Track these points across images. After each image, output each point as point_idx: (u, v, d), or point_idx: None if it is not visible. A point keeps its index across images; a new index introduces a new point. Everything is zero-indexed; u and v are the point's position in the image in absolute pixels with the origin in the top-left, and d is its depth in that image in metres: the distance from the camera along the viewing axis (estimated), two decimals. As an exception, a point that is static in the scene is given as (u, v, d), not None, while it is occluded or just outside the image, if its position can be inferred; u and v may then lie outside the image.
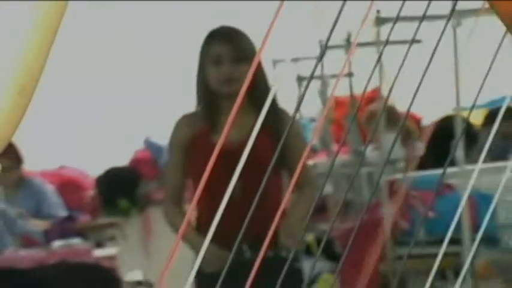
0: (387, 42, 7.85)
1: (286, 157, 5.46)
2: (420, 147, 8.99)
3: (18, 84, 0.87)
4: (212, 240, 4.10)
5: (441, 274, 6.73)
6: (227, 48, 5.83)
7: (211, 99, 5.95)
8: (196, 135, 5.95)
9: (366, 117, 9.04)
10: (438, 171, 7.64)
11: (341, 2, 1.25)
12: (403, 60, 2.00)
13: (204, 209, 5.53)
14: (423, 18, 2.53)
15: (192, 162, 5.92)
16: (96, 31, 12.69)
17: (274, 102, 5.68)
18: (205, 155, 5.48)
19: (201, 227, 5.57)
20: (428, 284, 2.16)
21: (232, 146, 4.65)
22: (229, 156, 3.84)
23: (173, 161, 6.06)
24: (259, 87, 5.18)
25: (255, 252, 5.33)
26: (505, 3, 1.17)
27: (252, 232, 4.69)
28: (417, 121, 10.77)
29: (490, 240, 6.56)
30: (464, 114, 7.10)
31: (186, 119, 6.06)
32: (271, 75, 9.60)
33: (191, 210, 5.97)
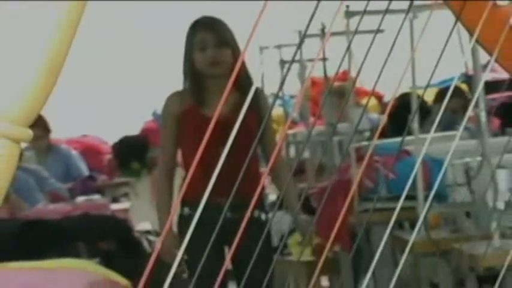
0: (356, 32, 7.83)
1: (263, 130, 5.55)
2: (383, 119, 8.97)
3: (47, 67, 0.86)
4: (199, 200, 4.09)
5: (399, 225, 6.70)
6: (211, 36, 5.83)
7: (198, 79, 5.90)
8: (186, 110, 5.90)
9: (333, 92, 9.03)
10: (397, 140, 7.64)
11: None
12: (369, 47, 1.98)
13: (191, 164, 5.48)
14: (386, 12, 2.53)
15: (183, 133, 5.87)
16: (113, 14, 12.72)
17: (251, 82, 5.67)
18: (195, 126, 5.71)
19: (191, 186, 5.37)
20: (387, 232, 2.13)
21: (218, 119, 4.56)
22: (216, 127, 4.78)
23: (167, 132, 6.06)
24: (239, 70, 5.01)
25: (234, 211, 5.05)
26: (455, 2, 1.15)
27: (231, 192, 4.75)
28: (380, 97, 10.74)
29: (440, 196, 6.56)
30: (419, 92, 7.09)
31: (176, 96, 6.03)
32: (258, 59, 9.52)
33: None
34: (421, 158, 5.59)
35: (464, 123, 6.04)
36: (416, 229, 5.98)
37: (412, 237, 5.50)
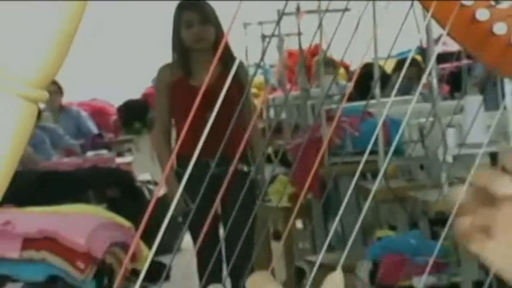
0: (326, 10, 7.82)
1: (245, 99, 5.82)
2: (349, 86, 8.97)
3: (61, 37, 0.85)
4: (190, 156, 4.27)
5: (363, 176, 6.70)
6: (196, 14, 5.85)
7: (185, 53, 5.92)
8: (175, 81, 5.94)
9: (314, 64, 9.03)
10: (362, 103, 7.63)
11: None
12: (338, 24, 1.98)
13: (182, 127, 5.51)
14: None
15: (174, 101, 5.91)
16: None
17: (233, 54, 5.61)
18: (184, 95, 5.70)
19: (182, 147, 5.33)
20: (353, 183, 2.13)
21: (204, 88, 4.52)
22: (203, 96, 4.90)
23: (160, 100, 6.09)
24: (221, 46, 5.02)
25: (220, 167, 5.13)
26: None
27: (218, 151, 4.84)
28: (347, 67, 10.72)
29: (398, 151, 6.57)
30: (381, 62, 7.08)
31: (167, 68, 6.08)
32: (243, 34, 9.48)
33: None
34: (382, 119, 5.59)
35: (419, 89, 6.05)
36: (378, 180, 5.98)
37: (374, 187, 5.50)
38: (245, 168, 5.96)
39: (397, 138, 5.89)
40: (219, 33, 5.70)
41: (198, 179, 3.94)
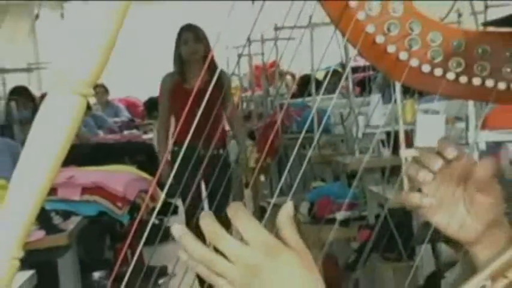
0: (278, 38, 7.81)
1: (225, 97, 5.58)
2: (294, 88, 8.97)
3: (105, 48, 0.84)
4: (183, 142, 4.19)
5: (303, 147, 6.69)
6: (191, 34, 5.58)
7: (182, 64, 5.63)
8: (174, 85, 5.64)
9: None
10: (303, 99, 7.61)
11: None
12: (298, 45, 1.98)
13: (182, 126, 5.32)
14: (294, 26, 2.54)
15: (174, 101, 5.62)
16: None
17: (216, 65, 5.30)
18: (180, 96, 5.45)
19: (179, 134, 5.24)
20: (295, 151, 2.11)
21: (195, 91, 4.45)
22: (194, 97, 4.80)
23: (162, 102, 5.81)
24: (207, 58, 4.90)
25: (205, 149, 5.07)
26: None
27: (208, 139, 4.81)
28: (293, 75, 10.66)
29: (327, 130, 6.58)
30: (316, 73, 7.10)
31: (169, 76, 5.77)
32: (225, 53, 9.40)
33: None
34: (314, 109, 5.61)
35: (338, 89, 6.07)
36: (311, 148, 5.98)
37: (309, 153, 5.51)
38: (222, 151, 5.66)
39: (324, 120, 5.90)
40: (208, 50, 5.46)
41: (187, 158, 4.06)
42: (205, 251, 0.92)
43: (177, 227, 0.93)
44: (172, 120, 5.83)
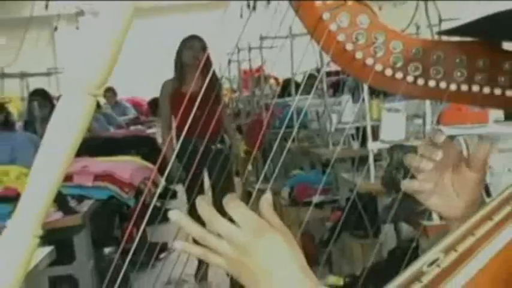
0: (262, 47, 7.80)
1: (218, 99, 5.32)
2: (278, 90, 8.96)
3: (113, 54, 0.85)
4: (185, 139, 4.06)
5: (285, 139, 6.65)
6: (196, 43, 5.31)
7: (182, 69, 5.33)
8: (173, 89, 5.35)
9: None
10: (285, 99, 7.60)
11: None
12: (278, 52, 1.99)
13: (181, 123, 4.79)
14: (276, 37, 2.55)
15: (173, 103, 5.33)
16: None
17: (214, 74, 5.42)
18: (178, 98, 5.21)
19: (180, 130, 4.97)
20: (277, 142, 2.09)
21: (192, 93, 4.27)
22: (191, 98, 4.54)
23: (163, 105, 5.52)
24: (206, 65, 4.73)
25: (204, 144, 5.01)
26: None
27: (203, 134, 4.68)
28: (277, 79, 10.63)
29: (305, 126, 6.58)
30: (296, 78, 7.10)
31: (169, 81, 5.47)
32: (218, 60, 9.40)
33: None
34: (294, 106, 5.59)
35: (313, 91, 6.08)
36: (290, 140, 5.98)
37: (288, 144, 5.51)
38: (219, 146, 5.28)
39: (301, 117, 5.90)
40: (207, 59, 4.91)
41: (190, 152, 3.79)
42: (200, 229, 0.94)
43: (173, 211, 0.94)
44: (174, 120, 5.72)
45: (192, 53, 5.27)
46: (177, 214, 0.94)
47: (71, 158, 0.87)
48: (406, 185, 1.16)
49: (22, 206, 0.87)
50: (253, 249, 0.92)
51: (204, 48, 5.29)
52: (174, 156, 5.03)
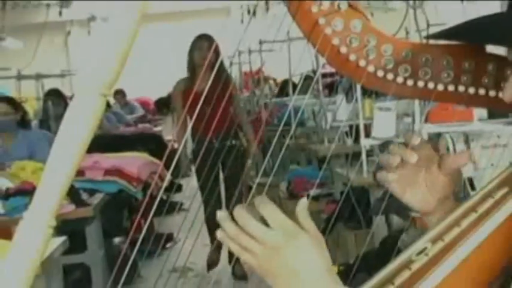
0: (261, 50, 7.79)
1: (231, 97, 5.06)
2: (276, 90, 8.95)
3: (121, 57, 0.84)
4: (199, 138, 3.97)
5: (283, 136, 6.65)
6: (205, 44, 5.02)
7: (194, 69, 5.10)
8: (186, 89, 5.08)
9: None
10: (283, 99, 7.59)
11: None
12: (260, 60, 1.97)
13: (195, 122, 4.53)
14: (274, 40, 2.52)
15: (184, 101, 5.05)
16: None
17: (226, 70, 5.11)
18: (190, 97, 4.66)
19: (194, 128, 4.55)
20: (276, 139, 2.08)
21: (203, 93, 4.26)
22: (203, 96, 4.46)
23: (176, 103, 5.24)
24: (216, 64, 4.40)
25: (219, 142, 4.64)
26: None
27: (217, 131, 4.49)
28: (275, 80, 10.61)
29: (302, 124, 6.57)
30: (293, 79, 7.08)
31: (181, 80, 5.20)
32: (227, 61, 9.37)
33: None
34: (291, 105, 5.59)
35: (310, 91, 6.07)
36: (288, 138, 5.98)
37: (287, 141, 5.50)
38: (235, 142, 5.09)
39: (299, 114, 5.89)
40: (217, 58, 4.68)
41: (205, 151, 3.90)
42: (236, 229, 0.95)
43: (221, 213, 0.97)
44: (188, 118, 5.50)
45: (201, 54, 5.06)
46: (223, 215, 0.96)
47: (83, 153, 0.87)
48: (380, 176, 1.17)
49: (37, 198, 0.87)
50: (284, 250, 0.92)
51: (211, 46, 4.98)
52: (180, 149, 4.82)
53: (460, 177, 1.16)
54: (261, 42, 7.70)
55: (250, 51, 8.17)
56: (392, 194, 1.18)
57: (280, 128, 4.28)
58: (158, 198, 1.19)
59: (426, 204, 1.16)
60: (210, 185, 4.77)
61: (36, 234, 0.86)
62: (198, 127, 4.13)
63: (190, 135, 4.87)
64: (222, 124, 4.60)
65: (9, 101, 5.01)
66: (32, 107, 8.74)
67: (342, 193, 5.08)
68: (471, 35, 1.03)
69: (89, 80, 0.86)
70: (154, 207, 1.15)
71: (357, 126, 4.57)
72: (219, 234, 0.97)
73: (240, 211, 0.95)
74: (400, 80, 1.11)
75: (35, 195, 0.88)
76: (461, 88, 1.11)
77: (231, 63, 9.97)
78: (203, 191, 4.87)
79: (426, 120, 3.63)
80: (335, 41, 1.09)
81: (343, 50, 1.09)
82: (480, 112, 3.65)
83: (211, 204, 4.74)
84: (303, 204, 0.97)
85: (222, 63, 4.60)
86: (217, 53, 4.69)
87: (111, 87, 0.87)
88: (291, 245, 0.92)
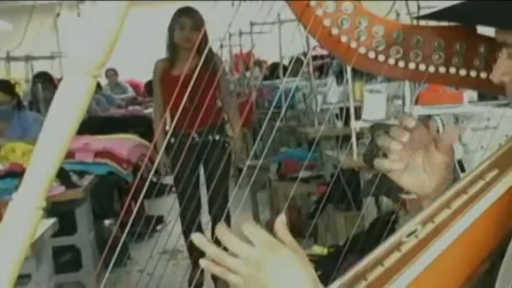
0: (252, 32, 7.77)
1: (218, 83, 4.30)
2: (266, 72, 8.94)
3: (112, 39, 0.85)
4: (178, 132, 3.46)
5: (273, 119, 6.62)
6: (189, 21, 4.27)
7: (175, 50, 4.32)
8: (164, 71, 4.34)
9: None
10: (273, 81, 7.58)
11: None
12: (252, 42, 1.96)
13: (173, 111, 3.96)
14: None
15: (163, 87, 4.36)
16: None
17: (212, 52, 4.26)
18: (168, 82, 4.29)
19: (172, 119, 4.07)
20: (266, 121, 2.07)
21: (185, 76, 3.80)
22: (184, 82, 3.94)
23: (155, 87, 4.48)
24: (202, 45, 3.80)
25: (200, 137, 4.14)
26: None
27: (200, 125, 3.90)
28: (266, 62, 10.58)
29: (293, 106, 6.57)
30: (284, 61, 7.08)
31: (160, 62, 4.43)
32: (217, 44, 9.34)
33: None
34: (282, 89, 5.59)
35: (300, 73, 6.06)
36: (279, 120, 5.97)
37: (277, 123, 5.51)
38: (221, 138, 4.34)
39: (290, 97, 5.89)
40: (203, 38, 3.95)
41: (184, 148, 3.21)
42: (217, 250, 0.96)
43: (196, 235, 0.97)
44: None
45: (183, 34, 4.32)
46: (199, 238, 0.97)
47: (73, 134, 0.87)
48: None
49: (27, 180, 0.87)
50: (266, 265, 0.94)
51: (198, 26, 4.28)
52: (161, 151, 4.30)
53: (453, 159, 1.16)
54: (251, 24, 7.68)
55: (240, 33, 8.15)
56: (384, 176, 1.18)
57: (271, 111, 4.27)
58: (148, 181, 1.19)
59: (424, 187, 1.15)
60: (189, 191, 4.17)
61: (26, 215, 0.86)
62: (178, 120, 3.11)
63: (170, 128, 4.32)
64: (206, 117, 4.05)
65: (5, 88, 4.98)
66: (22, 89, 8.69)
67: (332, 175, 5.09)
68: (462, 16, 1.03)
69: (78, 61, 0.86)
70: (145, 189, 1.14)
71: (347, 109, 4.57)
72: (202, 263, 0.98)
73: (221, 229, 0.96)
74: (391, 61, 1.11)
75: (24, 177, 0.87)
76: (452, 70, 1.11)
77: (221, 46, 9.96)
78: (181, 199, 4.33)
79: (416, 102, 3.64)
80: (326, 22, 1.09)
81: (335, 31, 1.09)
82: (470, 94, 3.66)
83: (189, 217, 4.10)
84: (281, 220, 0.98)
85: (207, 42, 3.92)
86: (202, 32, 4.09)
87: (100, 68, 0.86)
88: (274, 260, 0.94)
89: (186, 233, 3.87)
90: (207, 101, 2.44)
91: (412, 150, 1.14)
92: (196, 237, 0.97)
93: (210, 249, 0.97)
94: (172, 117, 4.14)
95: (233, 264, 0.95)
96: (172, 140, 3.93)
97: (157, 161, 4.12)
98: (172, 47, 4.39)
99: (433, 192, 1.15)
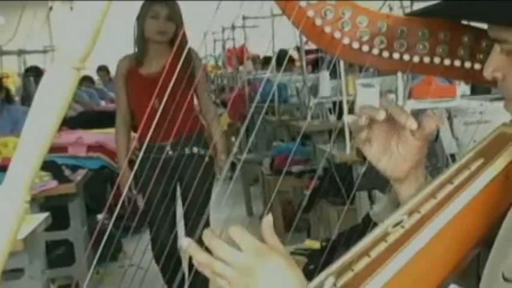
0: (245, 26, 7.76)
1: (194, 82, 3.33)
2: (259, 67, 8.95)
3: (94, 32, 0.85)
4: (148, 145, 2.78)
5: (266, 113, 6.62)
6: (164, 9, 3.48)
7: (144, 44, 3.55)
8: (129, 71, 3.56)
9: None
10: (266, 75, 7.56)
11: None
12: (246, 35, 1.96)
13: (139, 115, 3.55)
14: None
15: (128, 90, 3.60)
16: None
17: (189, 49, 3.12)
18: (134, 83, 3.57)
19: (140, 130, 3.33)
20: (261, 116, 2.07)
21: (151, 77, 3.39)
22: (151, 81, 3.29)
23: (118, 89, 3.68)
24: (178, 39, 3.35)
25: (175, 150, 3.40)
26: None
27: (174, 135, 3.11)
28: (258, 56, 10.58)
29: (286, 100, 6.57)
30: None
31: (125, 59, 3.63)
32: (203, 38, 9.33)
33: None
34: (276, 83, 5.59)
35: (293, 68, 6.06)
36: (276, 115, 5.97)
37: (273, 118, 5.49)
38: (201, 151, 3.53)
39: (275, 91, 5.88)
40: (179, 31, 3.44)
41: (156, 165, 2.83)
42: (206, 256, 0.96)
43: (186, 239, 0.97)
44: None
45: (155, 25, 3.56)
46: (188, 242, 0.97)
47: (57, 125, 0.87)
48: (348, 118, 1.17)
49: (11, 172, 0.87)
50: (255, 270, 0.94)
51: (174, 16, 3.57)
52: (123, 167, 3.71)
53: (427, 144, 1.16)
54: (244, 18, 7.68)
55: (233, 27, 8.15)
56: (377, 170, 1.19)
57: (265, 106, 4.26)
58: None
59: (399, 170, 1.16)
60: (160, 215, 3.34)
61: (10, 209, 0.86)
62: (146, 130, 2.28)
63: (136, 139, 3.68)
64: (181, 126, 3.29)
65: None
66: (14, 83, 8.68)
67: (325, 170, 5.09)
68: (454, 12, 1.03)
69: (61, 53, 0.87)
70: (139, 184, 1.14)
71: (340, 103, 4.57)
72: (194, 261, 0.97)
73: (209, 235, 0.96)
74: (375, 51, 1.11)
75: (9, 169, 0.87)
76: (436, 60, 1.12)
77: (214, 40, 9.93)
78: (151, 225, 3.48)
79: (409, 97, 3.64)
80: (310, 13, 1.09)
81: (318, 22, 1.09)
82: (463, 88, 3.67)
83: (160, 241, 3.46)
84: (267, 222, 0.98)
85: (184, 36, 3.35)
86: (178, 24, 3.54)
87: (83, 61, 0.87)
88: (263, 265, 0.94)
89: (162, 271, 3.34)
90: (185, 105, 2.33)
91: (387, 132, 1.15)
92: (187, 243, 0.97)
93: (200, 256, 0.96)
94: (137, 126, 3.63)
95: (223, 270, 0.95)
96: (140, 155, 2.95)
97: (118, 178, 3.58)
98: (141, 41, 3.60)
99: (406, 175, 1.16)
